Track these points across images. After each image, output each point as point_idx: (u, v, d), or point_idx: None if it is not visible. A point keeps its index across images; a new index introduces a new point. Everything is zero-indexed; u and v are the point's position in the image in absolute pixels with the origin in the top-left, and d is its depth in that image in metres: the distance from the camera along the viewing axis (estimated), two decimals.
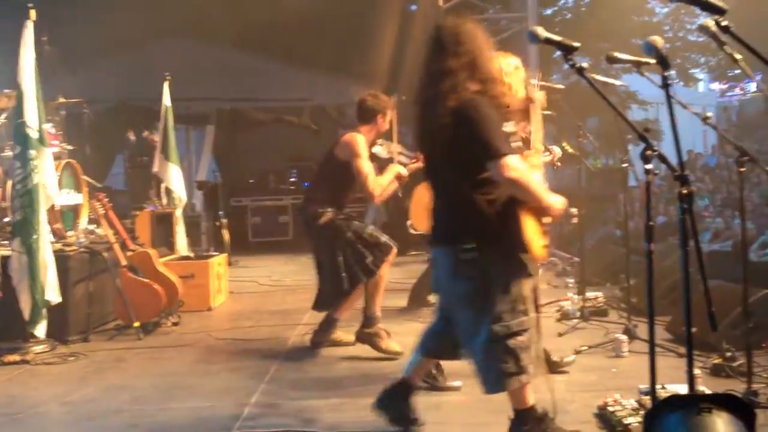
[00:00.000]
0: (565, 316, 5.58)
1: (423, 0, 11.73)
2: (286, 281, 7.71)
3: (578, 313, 5.46)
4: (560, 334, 5.06)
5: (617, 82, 4.85)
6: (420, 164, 5.42)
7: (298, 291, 7.26)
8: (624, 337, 4.48)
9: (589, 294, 5.77)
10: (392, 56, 10.92)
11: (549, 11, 18.95)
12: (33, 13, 4.82)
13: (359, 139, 4.65)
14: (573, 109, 5.58)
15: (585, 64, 2.24)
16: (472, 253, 2.88)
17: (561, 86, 4.89)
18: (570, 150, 5.63)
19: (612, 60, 2.70)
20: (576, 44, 2.27)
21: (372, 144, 4.84)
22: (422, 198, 6.40)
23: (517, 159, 2.83)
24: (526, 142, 3.43)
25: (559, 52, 2.32)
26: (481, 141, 2.78)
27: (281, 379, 4.25)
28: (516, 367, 2.85)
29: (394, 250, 4.73)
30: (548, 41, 2.34)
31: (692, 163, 15.84)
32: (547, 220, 3.06)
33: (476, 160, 2.82)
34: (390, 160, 5.05)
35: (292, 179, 12.11)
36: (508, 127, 2.97)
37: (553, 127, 9.69)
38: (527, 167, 2.91)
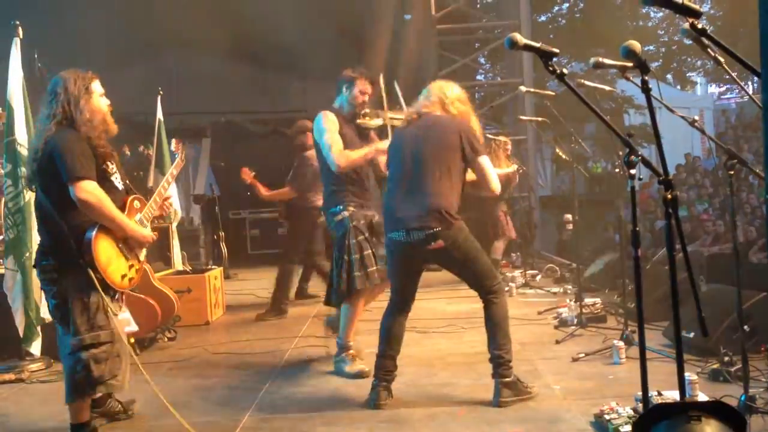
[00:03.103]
0: (562, 323, 5.56)
1: (416, 9, 11.79)
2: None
3: (576, 320, 5.43)
4: (558, 342, 5.03)
5: (607, 88, 4.83)
6: None
7: (297, 303, 7.24)
8: (621, 344, 4.45)
9: (587, 300, 5.74)
10: (386, 65, 10.93)
11: (543, 18, 19.02)
12: (20, 30, 4.82)
13: (322, 115, 4.47)
14: (572, 115, 5.58)
15: (566, 70, 2.22)
16: (51, 273, 3.32)
17: (552, 92, 4.88)
18: (563, 156, 5.62)
19: (598, 65, 2.69)
20: (555, 50, 2.25)
21: (354, 117, 4.57)
22: None
23: (94, 185, 3.25)
24: None
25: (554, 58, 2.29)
26: (64, 164, 3.22)
27: (276, 394, 4.22)
28: (87, 379, 3.26)
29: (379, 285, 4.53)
30: (527, 47, 2.32)
31: (690, 167, 15.79)
32: (141, 251, 3.59)
33: (61, 183, 3.24)
34: (384, 127, 4.76)
35: None
36: (109, 165, 3.43)
37: (548, 133, 9.69)
38: (104, 194, 3.29)
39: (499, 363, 3.74)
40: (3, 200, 5.28)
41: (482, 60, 17.73)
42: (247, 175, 6.86)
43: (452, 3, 12.12)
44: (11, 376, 4.75)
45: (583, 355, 4.53)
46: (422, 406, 3.80)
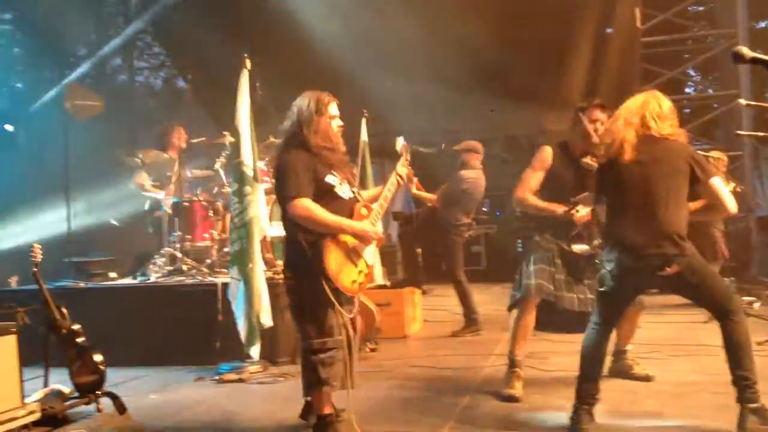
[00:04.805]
0: None
1: (620, 22, 11.37)
2: (479, 310, 7.72)
3: None
4: None
5: None
6: None
7: (491, 320, 7.24)
8: None
9: None
10: (586, 81, 10.64)
11: (763, 24, 17.42)
12: (248, 63, 5.32)
13: (541, 149, 4.61)
14: None
15: None
16: (290, 282, 3.70)
17: None
18: None
19: None
20: None
21: (585, 153, 4.44)
22: None
23: (304, 201, 3.52)
24: None
25: None
26: (282, 184, 3.61)
27: (475, 409, 4.26)
28: (316, 379, 3.58)
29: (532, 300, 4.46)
30: (755, 61, 2.17)
31: None
32: (368, 253, 3.73)
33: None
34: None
35: (484, 209, 12.10)
36: (331, 178, 3.63)
37: None
38: (316, 206, 3.54)
39: (746, 385, 3.46)
40: (229, 216, 5.87)
41: (692, 72, 16.62)
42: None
43: (660, 13, 11.54)
44: (234, 375, 5.26)
45: None
46: None
